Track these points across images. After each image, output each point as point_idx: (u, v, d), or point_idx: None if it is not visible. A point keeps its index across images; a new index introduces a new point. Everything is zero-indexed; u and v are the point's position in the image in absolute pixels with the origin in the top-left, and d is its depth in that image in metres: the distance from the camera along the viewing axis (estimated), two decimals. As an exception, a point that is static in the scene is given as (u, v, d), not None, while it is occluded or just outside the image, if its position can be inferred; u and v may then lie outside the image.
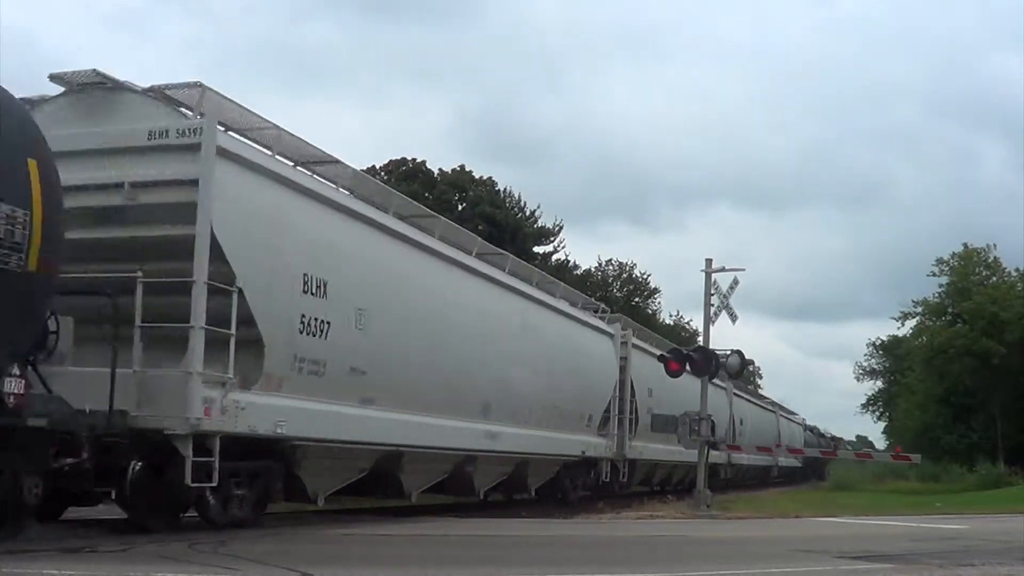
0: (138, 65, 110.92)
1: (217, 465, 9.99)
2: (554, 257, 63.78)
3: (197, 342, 9.79)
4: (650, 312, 68.75)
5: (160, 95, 10.71)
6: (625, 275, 68.06)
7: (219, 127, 10.49)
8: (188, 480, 9.74)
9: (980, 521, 18.66)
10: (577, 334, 21.16)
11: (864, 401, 78.69)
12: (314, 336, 11.49)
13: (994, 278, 47.96)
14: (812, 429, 65.71)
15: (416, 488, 14.95)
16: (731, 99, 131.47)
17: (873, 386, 76.36)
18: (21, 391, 8.27)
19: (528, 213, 61.77)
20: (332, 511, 16.83)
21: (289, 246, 11.25)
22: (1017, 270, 48.38)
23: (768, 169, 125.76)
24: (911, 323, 51.42)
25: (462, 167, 54.67)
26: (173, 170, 10.20)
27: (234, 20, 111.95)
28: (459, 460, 15.71)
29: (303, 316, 11.30)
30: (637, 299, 68.18)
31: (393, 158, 53.60)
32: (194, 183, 10.00)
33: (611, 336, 23.35)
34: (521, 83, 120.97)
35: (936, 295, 48.34)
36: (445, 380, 14.66)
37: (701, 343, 22.01)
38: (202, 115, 10.55)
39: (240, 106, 11.29)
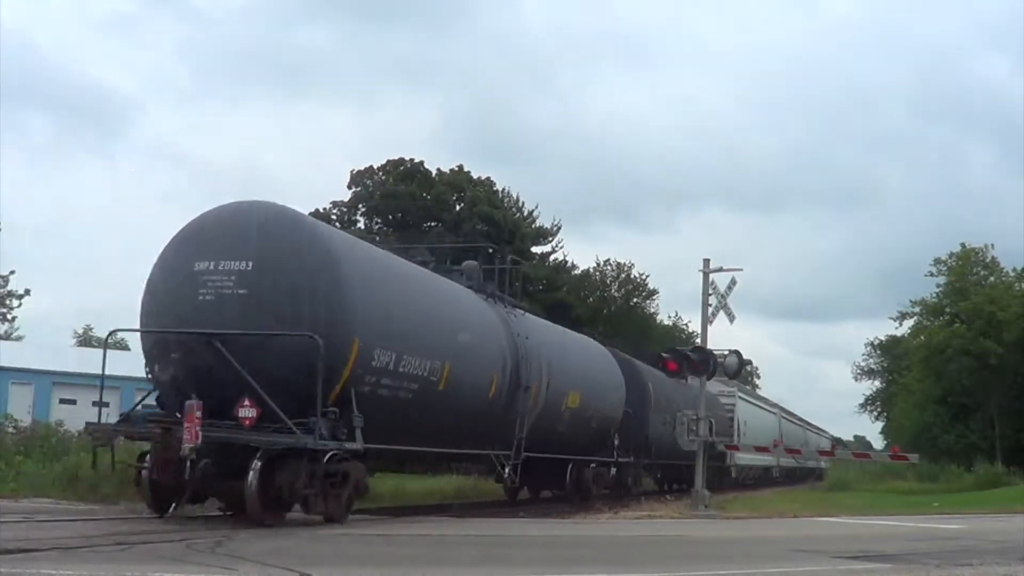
0: (132, 68, 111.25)
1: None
2: (552, 257, 63.75)
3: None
4: (649, 313, 68.69)
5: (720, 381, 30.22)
6: (623, 276, 67.86)
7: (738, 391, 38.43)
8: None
9: (978, 521, 18.67)
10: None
11: (862, 401, 78.86)
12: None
13: (992, 278, 48.03)
14: (835, 440, 71.15)
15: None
16: (720, 102, 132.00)
17: (871, 386, 76.52)
18: None
19: (526, 213, 61.71)
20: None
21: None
22: (1015, 270, 48.49)
23: (758, 171, 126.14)
24: (909, 323, 51.56)
25: (460, 167, 54.53)
26: (726, 398, 36.26)
27: (226, 24, 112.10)
28: (768, 467, 44.08)
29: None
30: (635, 300, 68.03)
31: (391, 158, 53.54)
32: (733, 404, 36.86)
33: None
34: (511, 87, 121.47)
35: (934, 295, 48.44)
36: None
37: (699, 344, 22.03)
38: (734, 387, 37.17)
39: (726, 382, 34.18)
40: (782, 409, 50.28)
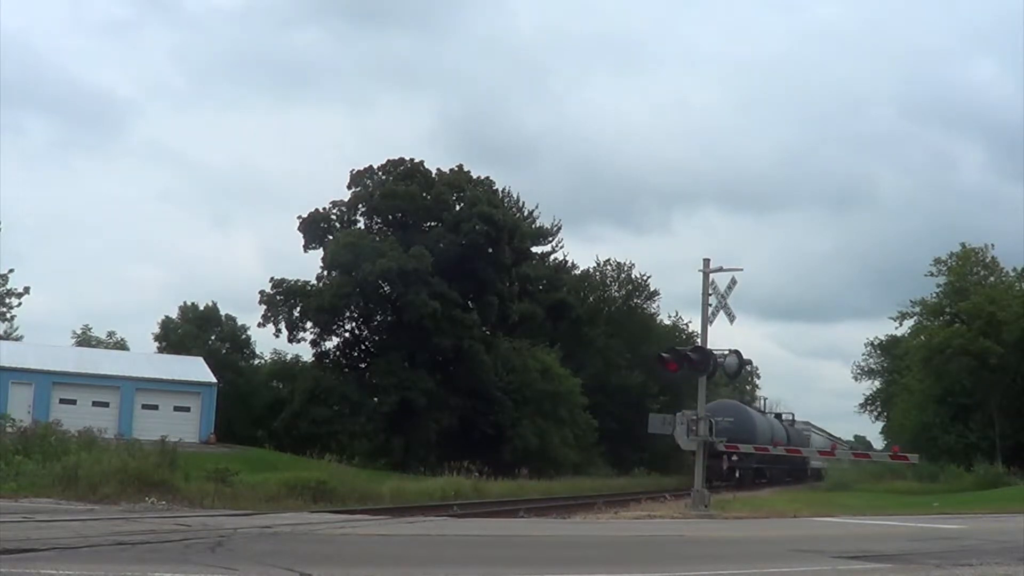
0: (130, 72, 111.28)
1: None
2: (552, 257, 63.78)
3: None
4: (650, 313, 68.67)
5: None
6: (623, 276, 67.83)
7: (811, 426, 68.53)
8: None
9: (978, 521, 18.69)
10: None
11: (862, 401, 78.68)
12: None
13: (992, 278, 48.02)
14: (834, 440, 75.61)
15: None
16: (711, 105, 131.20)
17: (871, 386, 76.34)
18: None
19: (526, 213, 61.68)
20: (331, 511, 16.83)
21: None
22: (1015, 270, 48.46)
23: (751, 173, 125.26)
24: (909, 323, 51.50)
25: (460, 167, 54.42)
26: (805, 431, 62.44)
27: (221, 29, 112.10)
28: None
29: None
30: (636, 300, 67.99)
31: (391, 158, 53.48)
32: (809, 434, 63.05)
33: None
34: (505, 90, 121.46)
35: (934, 295, 48.40)
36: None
37: (699, 344, 22.01)
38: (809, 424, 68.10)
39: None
40: (827, 432, 73.83)
